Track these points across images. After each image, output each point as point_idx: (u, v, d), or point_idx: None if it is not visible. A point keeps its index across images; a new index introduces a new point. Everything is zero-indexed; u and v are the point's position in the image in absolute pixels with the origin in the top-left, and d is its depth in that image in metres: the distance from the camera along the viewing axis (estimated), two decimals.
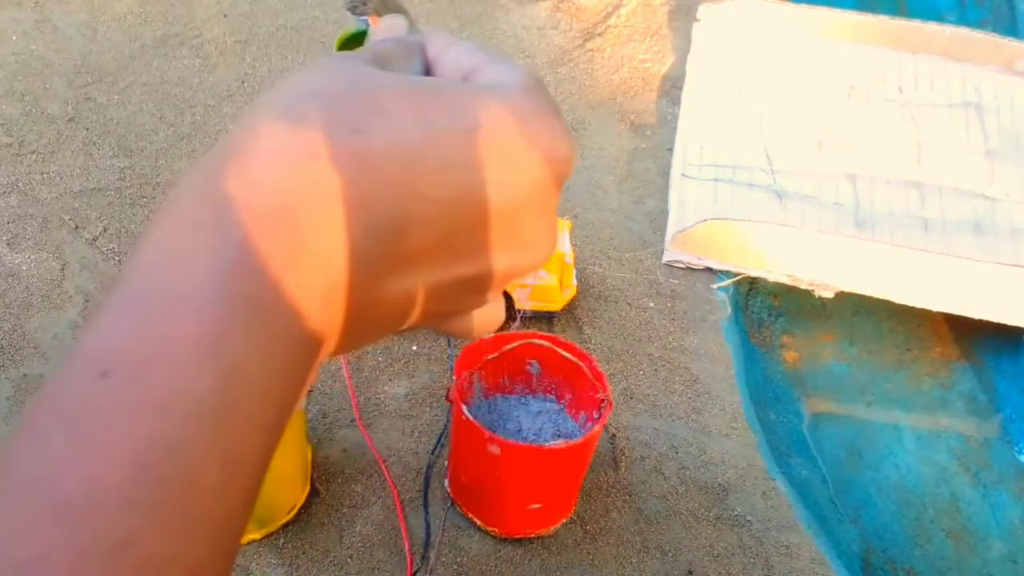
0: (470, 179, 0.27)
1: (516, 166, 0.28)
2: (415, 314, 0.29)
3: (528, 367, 1.29)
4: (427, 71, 0.34)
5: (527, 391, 1.29)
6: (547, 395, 1.29)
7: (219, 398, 0.22)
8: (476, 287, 0.30)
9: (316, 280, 0.25)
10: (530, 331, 1.27)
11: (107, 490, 0.21)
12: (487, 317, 0.33)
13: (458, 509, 1.27)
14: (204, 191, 0.25)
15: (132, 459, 0.21)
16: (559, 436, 1.22)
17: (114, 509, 0.21)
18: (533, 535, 1.25)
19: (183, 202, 0.25)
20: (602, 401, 1.15)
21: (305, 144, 0.25)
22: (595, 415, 1.17)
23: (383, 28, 0.37)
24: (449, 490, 1.28)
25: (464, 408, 1.10)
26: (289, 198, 0.24)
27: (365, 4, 0.63)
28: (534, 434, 1.24)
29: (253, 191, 0.24)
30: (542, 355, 1.24)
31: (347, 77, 0.28)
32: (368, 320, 0.28)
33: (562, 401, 1.27)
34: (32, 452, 0.21)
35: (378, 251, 0.26)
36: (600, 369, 1.18)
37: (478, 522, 1.24)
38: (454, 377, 1.15)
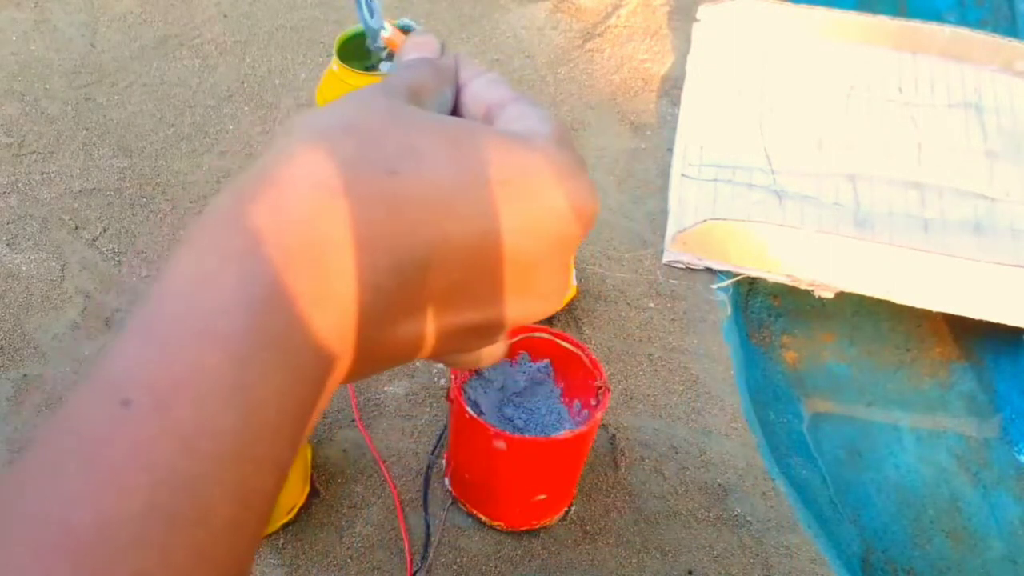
0: (499, 228, 0.27)
1: (546, 219, 0.28)
2: (425, 351, 0.29)
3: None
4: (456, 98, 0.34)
5: None
6: None
7: (239, 436, 0.22)
8: (488, 331, 0.30)
9: (336, 320, 0.25)
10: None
11: (119, 525, 0.20)
12: (493, 352, 0.34)
13: (460, 507, 1.27)
14: (235, 221, 0.24)
15: (148, 494, 0.20)
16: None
17: (125, 545, 0.20)
18: (538, 526, 1.25)
19: (213, 229, 0.24)
20: (599, 388, 1.16)
21: (339, 182, 0.25)
22: (592, 402, 1.18)
23: (413, 45, 0.35)
24: (451, 488, 1.28)
25: (467, 407, 1.10)
26: (319, 237, 0.24)
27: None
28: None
29: (284, 227, 0.24)
30: (534, 347, 1.25)
31: (382, 113, 0.28)
32: (377, 357, 0.27)
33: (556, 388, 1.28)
34: (44, 480, 0.20)
35: (399, 294, 0.26)
36: (595, 356, 1.19)
37: (482, 518, 1.25)
38: (452, 376, 1.15)
